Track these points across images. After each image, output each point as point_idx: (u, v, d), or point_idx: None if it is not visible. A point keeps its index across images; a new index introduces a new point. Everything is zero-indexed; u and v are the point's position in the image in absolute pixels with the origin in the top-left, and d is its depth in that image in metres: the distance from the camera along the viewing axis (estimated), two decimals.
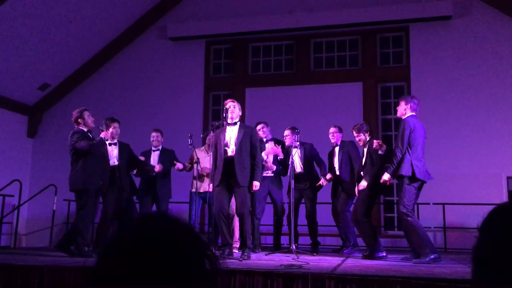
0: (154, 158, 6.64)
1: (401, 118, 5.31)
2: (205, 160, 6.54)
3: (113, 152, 6.09)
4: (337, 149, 6.37)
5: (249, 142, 5.21)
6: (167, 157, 6.69)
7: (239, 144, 5.16)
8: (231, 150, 5.18)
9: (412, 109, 5.25)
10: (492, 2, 8.25)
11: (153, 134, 6.73)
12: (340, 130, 6.45)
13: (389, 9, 8.49)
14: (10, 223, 8.67)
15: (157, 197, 6.54)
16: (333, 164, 6.39)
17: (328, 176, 6.34)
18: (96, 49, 9.79)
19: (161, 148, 6.73)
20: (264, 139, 6.57)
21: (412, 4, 8.40)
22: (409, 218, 5.00)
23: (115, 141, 6.15)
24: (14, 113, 9.58)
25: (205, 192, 6.62)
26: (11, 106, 9.44)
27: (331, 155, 6.49)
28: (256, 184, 5.15)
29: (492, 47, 8.20)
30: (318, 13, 8.84)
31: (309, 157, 6.47)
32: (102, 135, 5.60)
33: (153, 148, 6.72)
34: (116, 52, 9.92)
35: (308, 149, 6.49)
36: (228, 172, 5.14)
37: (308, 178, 6.40)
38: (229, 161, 5.16)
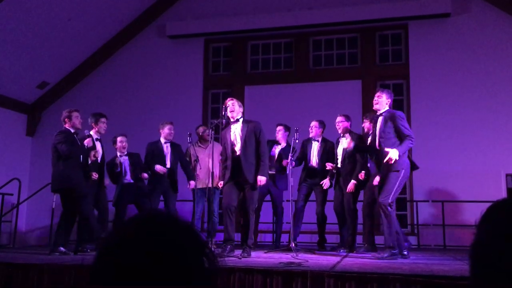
0: (167, 150, 6.61)
1: (377, 110, 5.24)
2: (204, 154, 6.57)
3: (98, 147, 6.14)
4: (343, 140, 6.15)
5: (254, 137, 5.25)
6: (178, 151, 6.68)
7: (244, 140, 5.21)
8: (238, 148, 5.23)
9: (390, 105, 5.23)
10: None
11: (171, 126, 6.67)
12: (347, 118, 6.21)
13: (388, 7, 8.48)
14: (9, 222, 8.67)
15: (166, 191, 6.53)
16: (336, 155, 6.24)
17: (328, 166, 6.15)
18: (95, 47, 9.78)
19: (171, 142, 6.70)
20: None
21: (411, 1, 8.40)
22: (390, 209, 4.92)
23: (99, 137, 6.18)
24: (13, 112, 9.57)
25: (206, 188, 6.66)
26: (10, 105, 9.43)
27: (336, 145, 6.31)
28: (261, 179, 5.18)
29: (491, 45, 8.20)
30: (317, 11, 8.83)
31: (327, 154, 6.38)
32: (86, 142, 5.65)
33: (165, 141, 6.65)
34: (115, 50, 9.90)
35: (328, 146, 6.42)
36: (236, 169, 5.20)
37: (321, 175, 6.33)
38: (237, 159, 5.21)
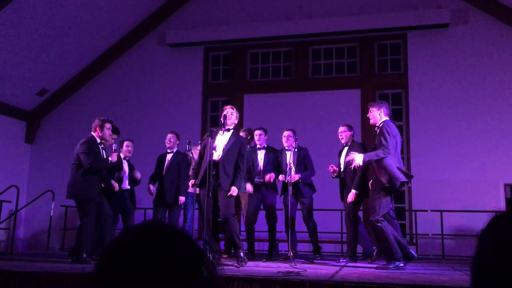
0: (167, 160, 6.60)
1: (375, 125, 5.26)
2: None
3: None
4: (345, 149, 6.14)
5: (237, 151, 5.28)
6: (179, 160, 6.64)
7: (227, 150, 5.23)
8: (217, 154, 5.23)
9: (386, 114, 5.21)
10: (489, 10, 8.30)
11: (168, 135, 6.67)
12: (349, 128, 6.21)
13: (387, 17, 8.53)
14: (7, 229, 8.64)
15: (168, 201, 6.50)
16: (339, 165, 6.20)
17: (331, 168, 6.10)
18: (95, 55, 9.81)
19: (176, 151, 6.67)
20: (258, 147, 6.55)
21: (410, 12, 8.45)
22: (379, 224, 4.89)
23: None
24: (12, 119, 9.58)
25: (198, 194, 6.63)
26: (9, 112, 9.44)
27: (339, 155, 6.29)
28: (234, 190, 5.16)
29: (489, 55, 8.24)
30: (317, 20, 8.88)
31: (301, 161, 6.36)
32: (112, 157, 5.59)
33: (167, 150, 6.66)
34: (115, 58, 9.94)
35: (302, 153, 6.40)
36: (210, 174, 5.16)
37: (301, 183, 6.29)
38: (214, 163, 5.19)
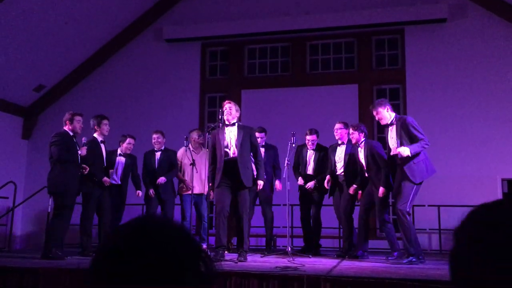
0: (156, 158, 6.68)
1: (387, 124, 5.30)
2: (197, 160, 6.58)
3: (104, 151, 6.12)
4: (342, 147, 6.13)
5: (249, 142, 5.23)
6: (168, 157, 6.70)
7: (240, 144, 5.16)
8: (232, 151, 5.18)
9: (392, 110, 5.29)
10: (487, 5, 8.29)
11: (154, 135, 6.75)
12: (346, 126, 6.15)
13: (384, 12, 8.52)
14: (4, 225, 8.62)
15: (161, 198, 6.54)
16: (334, 162, 6.18)
17: (326, 183, 6.19)
18: (92, 51, 9.77)
19: (163, 148, 6.76)
20: None
21: (408, 7, 8.44)
22: (408, 216, 5.04)
23: (103, 139, 6.15)
24: (9, 115, 9.54)
25: (198, 194, 6.63)
26: (6, 108, 9.40)
27: (332, 151, 6.25)
28: (261, 183, 5.22)
29: (487, 50, 8.24)
30: (314, 16, 8.87)
31: (322, 162, 6.39)
32: (80, 151, 5.61)
33: (155, 149, 6.75)
34: (112, 54, 9.90)
35: (323, 153, 6.42)
36: (230, 173, 5.14)
37: (318, 182, 6.32)
38: (231, 162, 5.15)
